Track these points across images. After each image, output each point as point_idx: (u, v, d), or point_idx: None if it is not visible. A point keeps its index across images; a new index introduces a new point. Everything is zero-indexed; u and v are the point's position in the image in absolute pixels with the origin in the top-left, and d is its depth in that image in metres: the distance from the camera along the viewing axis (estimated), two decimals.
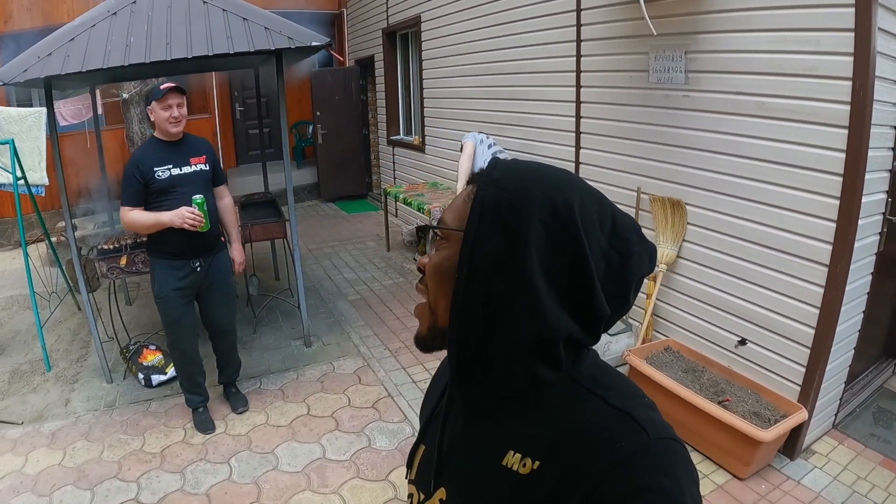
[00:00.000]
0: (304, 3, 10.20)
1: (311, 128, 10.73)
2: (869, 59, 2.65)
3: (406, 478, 1.05)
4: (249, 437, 3.66)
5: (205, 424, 3.75)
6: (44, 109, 5.02)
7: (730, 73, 3.35)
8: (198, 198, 3.38)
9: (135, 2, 3.85)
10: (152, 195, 3.42)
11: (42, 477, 3.33)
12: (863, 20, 2.64)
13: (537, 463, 0.77)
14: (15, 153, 4.60)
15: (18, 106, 7.43)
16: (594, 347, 0.85)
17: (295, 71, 8.97)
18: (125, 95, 6.73)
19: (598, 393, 0.79)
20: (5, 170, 4.81)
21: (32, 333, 5.11)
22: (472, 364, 0.82)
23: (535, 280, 0.74)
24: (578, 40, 4.49)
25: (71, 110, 7.87)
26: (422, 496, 0.95)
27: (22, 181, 4.86)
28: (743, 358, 3.51)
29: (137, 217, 3.38)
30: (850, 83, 2.75)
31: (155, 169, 3.38)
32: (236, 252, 3.91)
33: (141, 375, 4.27)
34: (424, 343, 0.87)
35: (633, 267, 0.78)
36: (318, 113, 9.84)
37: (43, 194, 5.54)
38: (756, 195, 3.31)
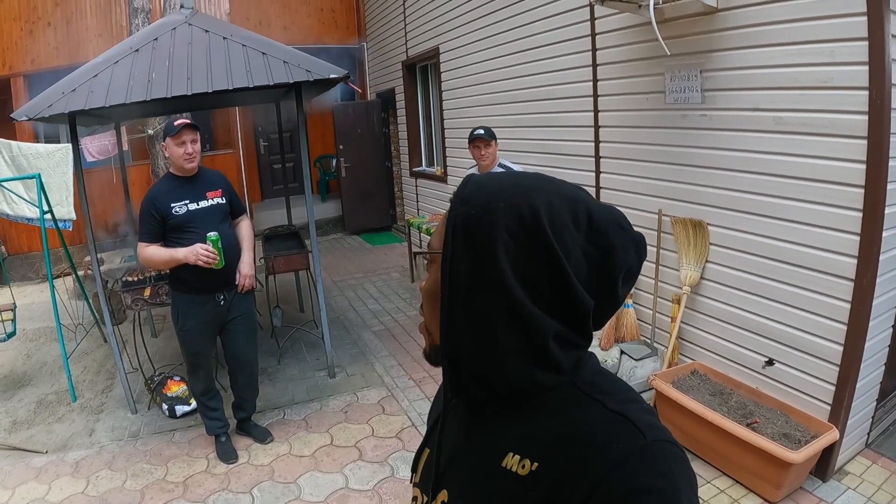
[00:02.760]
0: (325, 39, 10.41)
1: (334, 161, 10.86)
2: (885, 68, 2.62)
3: (411, 480, 1.06)
4: (272, 467, 3.64)
5: (227, 454, 3.75)
6: (70, 145, 5.14)
7: (746, 90, 3.32)
8: (212, 235, 3.37)
9: (157, 38, 3.96)
10: (170, 231, 3.44)
11: None
12: (876, 28, 2.61)
13: (536, 464, 0.77)
14: (42, 188, 4.71)
15: (47, 142, 7.64)
16: (594, 352, 0.85)
17: (316, 105, 9.12)
18: (150, 132, 6.88)
19: (596, 397, 0.80)
20: (33, 204, 4.92)
21: (59, 365, 5.16)
22: (467, 378, 0.84)
23: (512, 288, 0.75)
24: (594, 65, 4.51)
25: (97, 147, 8.05)
26: (425, 498, 0.96)
27: (49, 216, 4.97)
28: (771, 378, 3.42)
29: (154, 253, 3.42)
30: (866, 93, 2.71)
31: (172, 205, 3.41)
32: (245, 264, 3.67)
33: (165, 406, 4.30)
34: (430, 359, 0.90)
35: (616, 260, 0.78)
36: (341, 146, 9.98)
37: (70, 229, 5.66)
38: (777, 212, 3.26)
